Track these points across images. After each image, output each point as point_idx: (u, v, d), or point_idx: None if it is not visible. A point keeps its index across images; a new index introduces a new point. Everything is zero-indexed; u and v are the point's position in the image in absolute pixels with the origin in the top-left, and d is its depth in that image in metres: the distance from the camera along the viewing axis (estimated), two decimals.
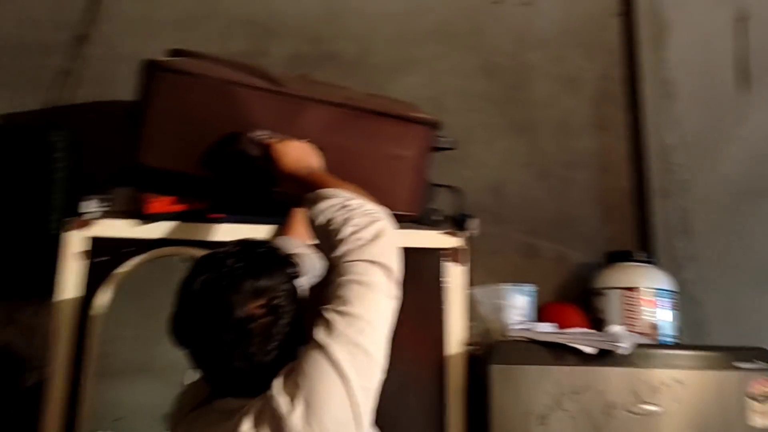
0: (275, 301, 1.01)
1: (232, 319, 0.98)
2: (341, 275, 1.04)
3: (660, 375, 1.37)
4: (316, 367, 0.95)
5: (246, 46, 2.06)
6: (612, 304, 1.82)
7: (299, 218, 1.36)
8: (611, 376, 1.36)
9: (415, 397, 1.51)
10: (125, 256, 1.57)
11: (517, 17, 2.19)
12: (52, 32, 2.04)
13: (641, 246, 2.04)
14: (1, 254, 1.74)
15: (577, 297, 1.94)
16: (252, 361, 1.00)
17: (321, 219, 1.12)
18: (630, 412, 1.35)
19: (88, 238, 1.58)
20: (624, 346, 1.34)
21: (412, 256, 1.54)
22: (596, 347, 1.34)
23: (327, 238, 1.11)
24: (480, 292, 1.57)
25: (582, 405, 1.34)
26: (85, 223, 1.59)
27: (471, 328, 1.58)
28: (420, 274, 1.57)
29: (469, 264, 1.60)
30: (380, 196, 1.46)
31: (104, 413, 1.53)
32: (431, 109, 2.05)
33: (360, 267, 1.04)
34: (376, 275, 1.04)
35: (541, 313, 1.88)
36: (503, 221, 2.06)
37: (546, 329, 1.45)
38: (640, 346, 1.42)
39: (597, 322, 1.82)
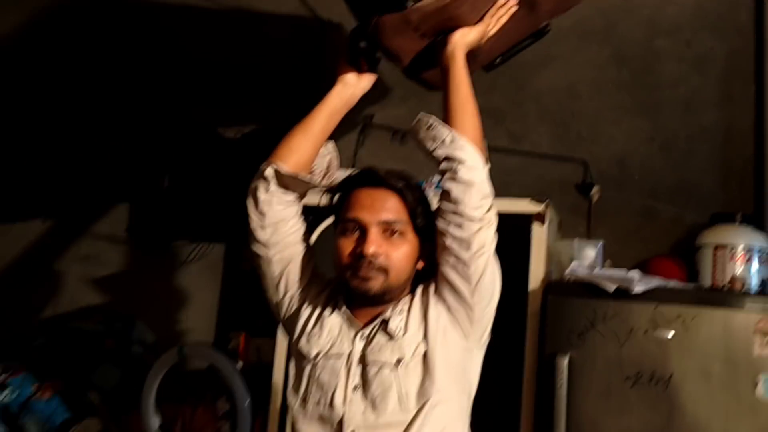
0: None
1: None
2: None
3: (677, 310, 1.74)
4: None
5: None
6: (705, 259, 2.13)
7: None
8: (633, 307, 1.77)
9: (506, 321, 2.07)
10: None
11: (649, 8, 2.50)
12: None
13: (756, 208, 2.26)
14: None
15: (686, 253, 2.27)
16: None
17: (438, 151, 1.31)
18: (647, 335, 1.75)
19: None
20: (636, 287, 1.74)
21: (511, 219, 2.09)
22: (615, 285, 1.77)
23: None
24: (561, 244, 2.05)
25: (610, 327, 1.78)
26: None
27: (552, 272, 2.08)
28: (515, 232, 2.09)
29: (548, 224, 2.06)
30: None
31: None
32: (566, 97, 2.53)
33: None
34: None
35: (650, 264, 2.27)
36: (625, 188, 2.44)
37: (607, 273, 1.89)
38: (661, 288, 1.79)
39: (694, 274, 2.16)
